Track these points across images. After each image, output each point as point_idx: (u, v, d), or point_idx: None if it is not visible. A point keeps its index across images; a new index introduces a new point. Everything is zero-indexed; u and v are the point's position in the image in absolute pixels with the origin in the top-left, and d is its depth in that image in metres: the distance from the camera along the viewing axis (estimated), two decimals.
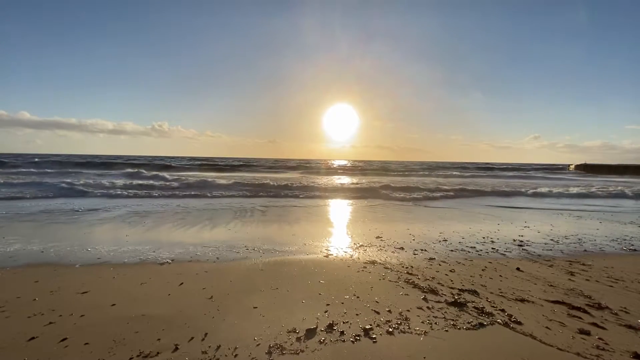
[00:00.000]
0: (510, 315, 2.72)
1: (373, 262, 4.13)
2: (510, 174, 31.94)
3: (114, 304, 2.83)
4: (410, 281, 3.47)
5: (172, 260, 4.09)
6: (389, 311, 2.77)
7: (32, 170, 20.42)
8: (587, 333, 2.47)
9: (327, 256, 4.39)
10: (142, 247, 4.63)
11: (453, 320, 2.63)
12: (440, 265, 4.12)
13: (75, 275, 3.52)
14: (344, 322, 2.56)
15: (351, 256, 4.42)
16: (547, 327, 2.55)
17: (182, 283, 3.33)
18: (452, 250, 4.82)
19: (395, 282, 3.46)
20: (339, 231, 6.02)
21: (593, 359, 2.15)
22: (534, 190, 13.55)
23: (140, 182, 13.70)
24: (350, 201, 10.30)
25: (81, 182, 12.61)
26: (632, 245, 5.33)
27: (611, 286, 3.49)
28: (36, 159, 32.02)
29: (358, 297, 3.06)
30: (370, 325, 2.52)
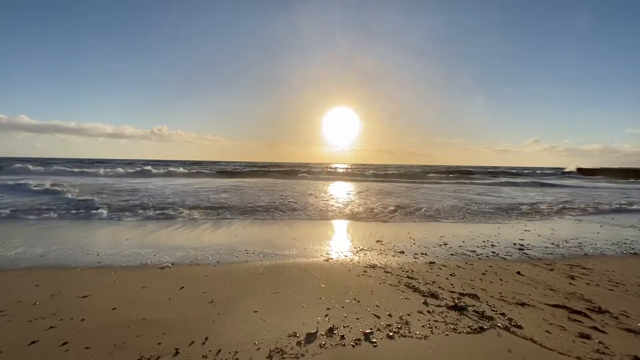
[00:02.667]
0: (510, 319, 2.72)
1: (373, 266, 4.13)
2: (517, 180, 27.11)
3: (114, 308, 2.83)
4: (411, 285, 3.47)
5: (173, 264, 4.09)
6: (390, 315, 2.77)
7: None
8: (588, 337, 2.47)
9: (327, 260, 4.39)
10: (142, 250, 4.64)
11: (453, 324, 2.63)
12: (440, 269, 4.12)
13: (76, 279, 3.52)
14: (344, 326, 2.56)
15: (351, 260, 4.42)
16: (547, 331, 2.55)
17: (182, 287, 3.34)
18: (452, 254, 4.82)
19: (396, 286, 3.47)
20: (339, 235, 6.02)
21: None
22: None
23: None
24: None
25: None
26: (633, 248, 5.32)
27: (612, 290, 3.49)
28: None
29: (358, 301, 3.06)
30: (371, 329, 2.52)
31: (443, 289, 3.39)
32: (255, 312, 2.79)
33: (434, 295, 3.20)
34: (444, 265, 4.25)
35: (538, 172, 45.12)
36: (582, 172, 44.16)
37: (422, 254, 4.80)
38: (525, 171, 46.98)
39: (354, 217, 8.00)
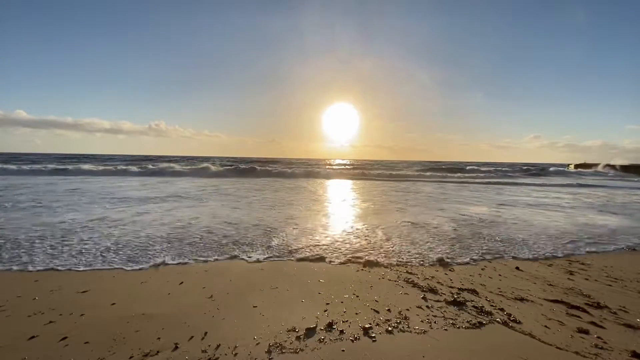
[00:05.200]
0: (509, 314, 2.73)
1: (373, 262, 4.13)
2: (552, 180, 22.64)
3: (113, 303, 2.83)
4: (410, 280, 3.47)
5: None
6: (389, 310, 2.77)
7: None
8: (586, 332, 2.48)
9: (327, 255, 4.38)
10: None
11: (452, 319, 2.64)
12: None
13: (76, 275, 3.52)
14: (343, 321, 2.57)
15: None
16: (546, 326, 2.56)
17: (182, 282, 3.34)
18: None
19: (395, 281, 3.47)
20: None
21: (592, 357, 2.16)
22: None
23: None
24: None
25: None
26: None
27: (610, 285, 3.50)
28: None
29: (357, 296, 3.07)
30: (370, 324, 2.53)
31: (442, 284, 3.39)
32: (254, 307, 2.80)
33: (433, 291, 3.21)
34: None
35: (557, 169, 38.32)
36: (617, 170, 36.89)
37: None
38: (543, 169, 38.99)
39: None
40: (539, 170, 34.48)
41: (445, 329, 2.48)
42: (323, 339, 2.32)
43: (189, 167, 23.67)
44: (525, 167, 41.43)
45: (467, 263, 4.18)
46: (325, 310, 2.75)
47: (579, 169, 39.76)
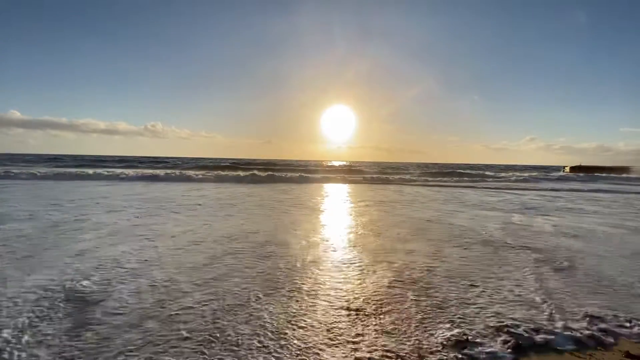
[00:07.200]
0: None
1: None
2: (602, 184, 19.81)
3: None
4: None
5: None
6: None
7: None
8: None
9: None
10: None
11: None
12: None
13: None
14: None
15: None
16: None
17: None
18: None
19: None
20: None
21: (586, 357, 2.18)
22: None
23: None
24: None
25: None
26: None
27: None
28: None
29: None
30: None
31: None
32: None
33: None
34: None
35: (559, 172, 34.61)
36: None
37: None
38: (557, 172, 35.40)
39: None
40: (549, 172, 30.15)
41: None
42: None
43: (170, 172, 19.55)
44: (541, 171, 37.06)
45: None
46: None
47: (610, 174, 30.94)
